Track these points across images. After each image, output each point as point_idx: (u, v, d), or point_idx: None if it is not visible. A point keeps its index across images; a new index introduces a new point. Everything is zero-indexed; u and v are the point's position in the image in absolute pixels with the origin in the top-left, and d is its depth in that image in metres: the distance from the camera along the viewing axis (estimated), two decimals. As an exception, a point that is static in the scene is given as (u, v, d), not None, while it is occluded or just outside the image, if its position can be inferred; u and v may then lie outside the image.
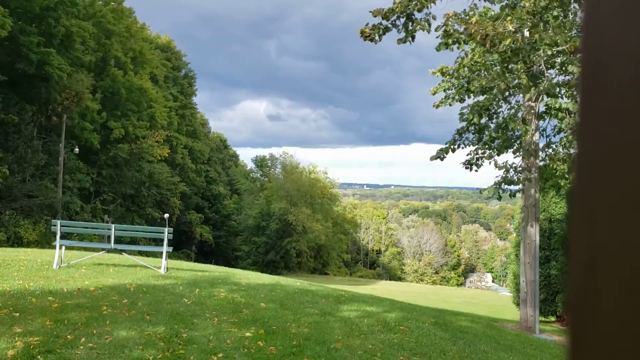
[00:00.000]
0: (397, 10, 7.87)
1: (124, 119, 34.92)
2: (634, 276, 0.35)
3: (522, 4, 8.31)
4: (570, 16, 8.42)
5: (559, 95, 9.42)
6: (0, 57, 25.04)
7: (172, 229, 10.01)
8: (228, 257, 51.56)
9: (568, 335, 0.39)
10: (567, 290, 0.39)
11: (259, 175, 59.39)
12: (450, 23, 8.38)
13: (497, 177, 10.31)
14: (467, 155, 10.66)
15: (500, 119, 10.27)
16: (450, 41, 8.60)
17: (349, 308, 7.68)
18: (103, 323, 5.17)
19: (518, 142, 10.23)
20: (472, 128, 10.20)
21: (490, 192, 10.20)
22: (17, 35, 24.80)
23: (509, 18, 7.94)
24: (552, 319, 13.54)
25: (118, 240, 10.08)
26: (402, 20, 8.02)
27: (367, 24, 8.11)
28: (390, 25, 8.07)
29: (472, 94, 9.95)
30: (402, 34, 8.15)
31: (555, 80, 9.19)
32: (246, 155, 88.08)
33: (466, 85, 9.95)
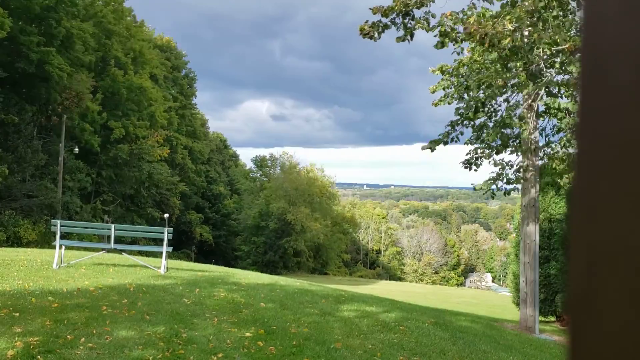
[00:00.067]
0: (396, 8, 7.87)
1: (124, 119, 34.92)
2: (634, 276, 0.35)
3: (521, 3, 8.31)
4: (570, 16, 8.42)
5: (559, 95, 9.43)
6: (0, 57, 25.03)
7: (172, 229, 10.01)
8: (228, 257, 51.57)
9: (568, 335, 0.39)
10: (567, 290, 0.39)
11: (258, 175, 59.42)
12: (446, 22, 8.38)
13: (491, 172, 10.32)
14: (467, 154, 10.66)
15: (499, 116, 10.27)
16: (446, 40, 8.60)
17: (349, 308, 7.68)
18: (103, 323, 5.17)
19: (517, 141, 10.23)
20: (467, 122, 10.18)
21: (484, 186, 10.18)
22: (17, 35, 24.80)
23: (507, 17, 7.94)
24: (552, 319, 13.54)
25: (118, 240, 10.08)
26: (402, 18, 8.02)
27: (366, 22, 8.11)
28: (389, 23, 8.06)
29: (470, 91, 9.95)
30: (401, 32, 8.15)
31: (554, 79, 9.19)
32: (248, 156, 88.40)
33: (465, 82, 9.96)
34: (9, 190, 25.33)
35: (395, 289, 34.15)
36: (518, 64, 8.74)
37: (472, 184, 10.66)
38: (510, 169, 10.22)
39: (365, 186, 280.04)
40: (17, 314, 5.23)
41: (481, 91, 9.76)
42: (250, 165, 64.21)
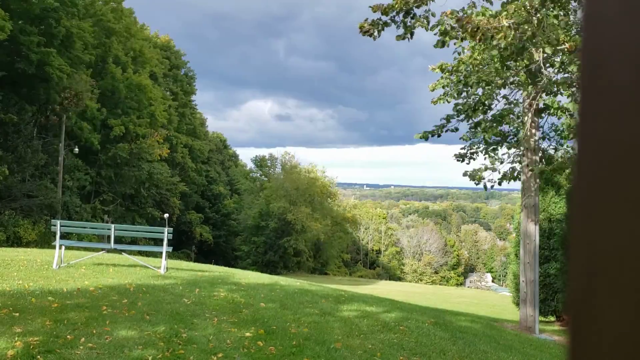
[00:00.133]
0: (396, 6, 7.87)
1: (124, 117, 34.92)
2: (633, 276, 0.35)
3: (518, 1, 8.31)
4: (571, 16, 8.42)
5: (559, 92, 9.42)
6: (1, 57, 25.03)
7: (171, 228, 10.01)
8: (228, 257, 51.56)
9: (568, 335, 0.39)
10: (567, 291, 0.39)
11: (258, 175, 59.42)
12: (446, 21, 8.38)
13: (481, 164, 10.36)
14: (462, 148, 10.68)
15: (496, 111, 10.28)
16: (447, 39, 8.60)
17: (349, 308, 7.68)
18: (103, 323, 5.17)
19: (515, 139, 10.24)
20: (463, 117, 10.20)
21: (473, 175, 10.18)
22: (17, 35, 24.79)
23: (504, 13, 7.94)
24: (552, 318, 13.54)
25: (118, 240, 10.08)
26: (401, 16, 8.02)
27: (366, 19, 8.11)
28: (389, 21, 8.06)
29: (469, 88, 9.95)
30: (401, 30, 8.14)
31: (554, 79, 9.19)
32: (250, 156, 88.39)
33: (463, 79, 9.96)
34: (9, 190, 25.33)
35: (395, 289, 34.16)
36: (517, 63, 8.74)
37: (465, 171, 10.64)
38: (501, 163, 10.24)
39: (365, 186, 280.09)
40: (17, 314, 5.23)
41: (480, 89, 9.77)
42: (250, 165, 64.29)
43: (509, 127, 10.12)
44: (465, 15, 8.04)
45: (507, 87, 9.84)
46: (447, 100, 10.36)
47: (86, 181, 33.04)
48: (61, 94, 27.95)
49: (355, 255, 70.41)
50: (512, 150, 10.32)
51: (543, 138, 10.23)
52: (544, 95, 9.33)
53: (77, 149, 30.99)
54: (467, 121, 10.29)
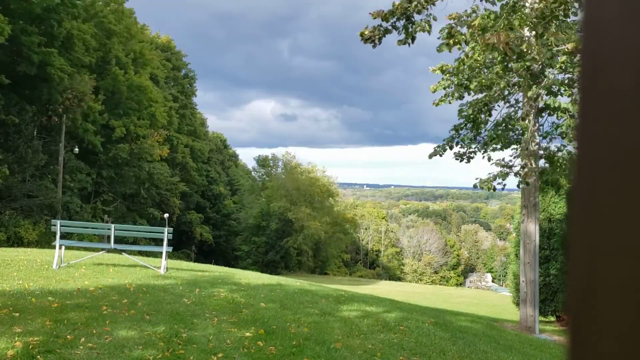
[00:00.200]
0: (396, 12, 7.87)
1: (125, 118, 34.95)
2: (633, 276, 0.35)
3: (522, 4, 8.31)
4: (572, 17, 8.43)
5: (559, 93, 9.42)
6: (1, 58, 25.03)
7: (172, 228, 10.01)
8: (228, 257, 51.56)
9: (568, 335, 0.39)
10: (567, 291, 0.39)
11: (260, 174, 59.39)
12: (454, 25, 8.39)
13: (489, 173, 10.33)
14: (461, 147, 10.67)
15: (499, 116, 10.28)
16: (452, 42, 8.60)
17: (349, 308, 7.69)
18: (103, 323, 5.17)
19: (516, 140, 10.24)
20: (470, 125, 10.20)
21: (482, 185, 10.17)
22: (18, 35, 24.80)
23: (517, 21, 7.95)
24: (552, 318, 13.54)
25: (118, 240, 10.08)
26: (402, 22, 8.02)
27: (366, 26, 8.11)
28: (390, 27, 8.07)
29: (471, 91, 9.96)
30: (402, 36, 8.15)
31: (556, 78, 9.19)
32: (251, 156, 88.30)
33: (465, 82, 9.96)
34: (10, 191, 25.33)
35: (395, 289, 34.15)
36: (518, 65, 8.74)
37: (476, 179, 10.63)
38: (507, 168, 10.22)
39: (365, 186, 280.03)
40: (17, 314, 5.23)
41: (482, 93, 9.78)
42: (250, 165, 64.29)
43: (512, 130, 10.11)
44: (476, 23, 8.03)
45: (508, 89, 9.84)
46: (449, 101, 10.35)
47: (87, 182, 33.06)
48: (62, 95, 27.97)
49: (355, 255, 70.41)
50: (515, 151, 10.31)
51: (545, 136, 10.23)
52: (544, 96, 9.32)
53: (77, 149, 31.01)
54: (473, 131, 10.28)
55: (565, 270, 0.39)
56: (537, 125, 9.82)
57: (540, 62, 8.54)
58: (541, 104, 9.57)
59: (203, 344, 4.81)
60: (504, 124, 10.04)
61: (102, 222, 29.68)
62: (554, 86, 9.08)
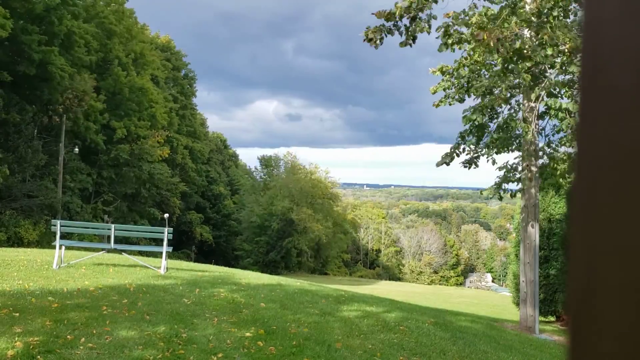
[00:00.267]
0: (398, 12, 7.88)
1: (126, 119, 34.99)
2: (633, 276, 0.35)
3: (521, 4, 8.31)
4: (572, 16, 8.43)
5: (559, 95, 9.42)
6: (1, 57, 25.03)
7: (172, 229, 10.01)
8: (228, 257, 51.57)
9: (568, 335, 0.39)
10: (567, 291, 0.39)
11: (262, 174, 59.39)
12: (451, 24, 8.38)
13: (497, 177, 10.32)
14: (466, 154, 10.66)
15: (501, 119, 10.28)
16: (450, 41, 8.60)
17: (349, 308, 7.69)
18: (103, 323, 5.17)
19: (517, 141, 10.23)
20: (475, 130, 10.20)
21: (490, 193, 10.20)
22: (19, 34, 24.81)
23: (514, 20, 7.95)
24: (552, 318, 13.54)
25: (118, 240, 10.08)
26: (404, 21, 8.03)
27: (368, 27, 8.13)
28: (392, 28, 8.08)
29: (473, 95, 9.96)
30: (404, 37, 8.17)
31: (556, 79, 9.19)
32: (253, 156, 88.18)
33: (466, 85, 9.95)
34: (10, 191, 25.34)
35: (395, 289, 34.15)
36: (520, 66, 8.73)
37: (478, 189, 10.69)
38: (514, 171, 10.22)
39: (365, 186, 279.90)
40: (17, 314, 5.23)
41: (483, 96, 9.77)
42: (250, 165, 64.28)
43: (513, 132, 10.11)
44: (473, 21, 8.03)
45: (509, 91, 9.84)
46: (449, 103, 10.35)
47: (88, 183, 33.08)
48: (63, 94, 27.98)
49: (355, 255, 70.43)
50: (518, 159, 10.31)
51: (546, 137, 10.23)
52: (545, 97, 9.32)
53: (77, 149, 31.01)
54: (477, 136, 10.28)
55: (565, 270, 0.39)
56: (537, 126, 9.82)
57: (536, 62, 8.53)
58: (542, 105, 9.57)
59: (203, 344, 4.81)
60: (505, 125, 10.04)
61: (103, 222, 29.70)
62: (554, 87, 9.08)
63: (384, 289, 31.76)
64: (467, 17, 8.50)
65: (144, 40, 41.09)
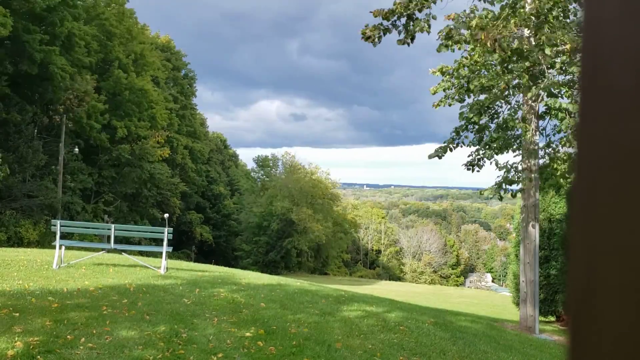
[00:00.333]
0: (397, 11, 7.88)
1: (127, 119, 35.01)
2: (633, 276, 0.35)
3: (522, 4, 8.32)
4: (571, 16, 8.43)
5: (559, 95, 9.42)
6: (2, 57, 25.03)
7: (172, 229, 10.01)
8: (228, 257, 51.58)
9: (568, 335, 0.39)
10: (567, 291, 0.39)
11: (260, 174, 59.39)
12: (454, 26, 8.38)
13: (497, 177, 10.31)
14: (469, 156, 10.64)
15: (500, 119, 10.27)
16: (450, 42, 8.60)
17: (349, 308, 7.69)
18: (103, 323, 5.17)
19: (518, 142, 10.23)
20: (471, 127, 10.19)
21: (491, 193, 10.19)
22: (20, 33, 24.82)
23: (513, 20, 7.95)
24: (552, 318, 13.54)
25: (118, 240, 10.08)
26: (403, 20, 8.02)
27: (366, 25, 8.12)
28: (390, 26, 8.07)
29: (472, 94, 9.95)
30: (402, 35, 8.16)
31: (555, 79, 9.19)
32: (254, 155, 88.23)
33: (466, 85, 9.95)
34: (10, 191, 25.34)
35: (395, 289, 34.15)
36: (519, 65, 8.73)
37: (478, 189, 10.68)
38: (514, 171, 10.21)
39: (365, 186, 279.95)
40: (17, 314, 5.23)
41: (483, 94, 9.77)
42: (252, 165, 64.25)
43: (512, 132, 10.11)
44: (473, 24, 8.03)
45: (508, 91, 9.84)
46: (449, 103, 10.34)
47: (88, 183, 33.09)
48: (64, 94, 27.99)
49: (355, 255, 70.44)
50: (518, 159, 10.30)
51: (547, 137, 10.23)
52: (545, 97, 9.32)
53: (77, 149, 31.00)
54: (474, 129, 10.26)
55: (565, 270, 0.39)
56: (537, 126, 9.82)
57: (534, 61, 8.54)
58: (542, 105, 9.57)
59: (203, 344, 4.81)
60: (504, 125, 10.03)
61: (103, 222, 29.71)
62: (553, 88, 9.07)
63: (384, 289, 31.76)
64: (467, 19, 8.50)
65: (144, 41, 41.10)
